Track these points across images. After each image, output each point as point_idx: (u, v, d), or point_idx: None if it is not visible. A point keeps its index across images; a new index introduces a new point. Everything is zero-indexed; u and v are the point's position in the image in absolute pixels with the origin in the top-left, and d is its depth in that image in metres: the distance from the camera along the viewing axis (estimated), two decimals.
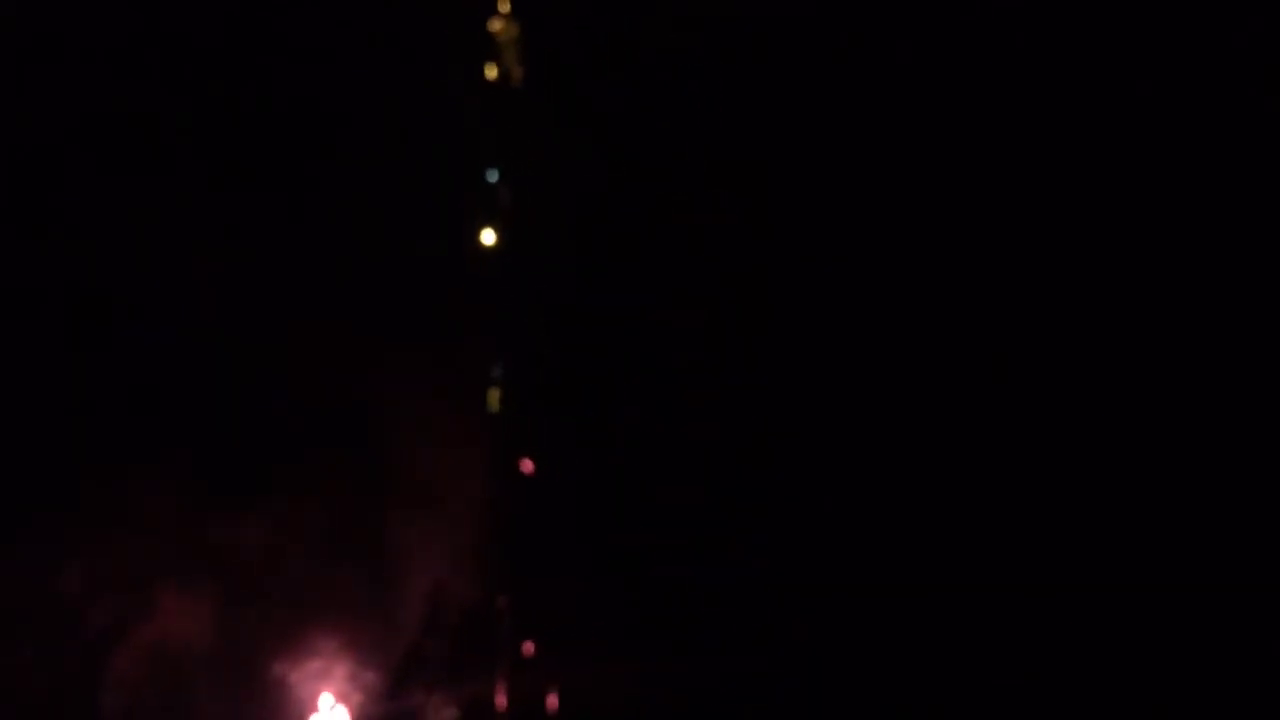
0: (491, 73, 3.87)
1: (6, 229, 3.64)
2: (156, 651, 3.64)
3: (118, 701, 3.60)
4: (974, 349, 3.82)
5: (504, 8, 3.88)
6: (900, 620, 3.77)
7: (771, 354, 3.89)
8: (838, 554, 3.81)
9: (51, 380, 3.58)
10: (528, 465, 3.84)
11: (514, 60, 3.87)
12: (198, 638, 3.65)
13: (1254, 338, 3.75)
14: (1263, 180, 3.77)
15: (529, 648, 3.80)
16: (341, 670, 3.70)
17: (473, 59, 3.87)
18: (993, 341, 3.82)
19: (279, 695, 3.68)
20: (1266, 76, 3.75)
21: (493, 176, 3.86)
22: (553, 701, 3.78)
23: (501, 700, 3.78)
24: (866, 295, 3.86)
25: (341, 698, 3.69)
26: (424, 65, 3.82)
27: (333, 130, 3.77)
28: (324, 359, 3.75)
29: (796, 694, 3.78)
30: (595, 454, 3.88)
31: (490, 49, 3.87)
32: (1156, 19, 3.79)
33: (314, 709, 3.69)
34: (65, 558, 3.56)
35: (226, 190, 3.70)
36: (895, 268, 3.86)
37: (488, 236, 3.86)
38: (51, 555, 3.55)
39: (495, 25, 3.87)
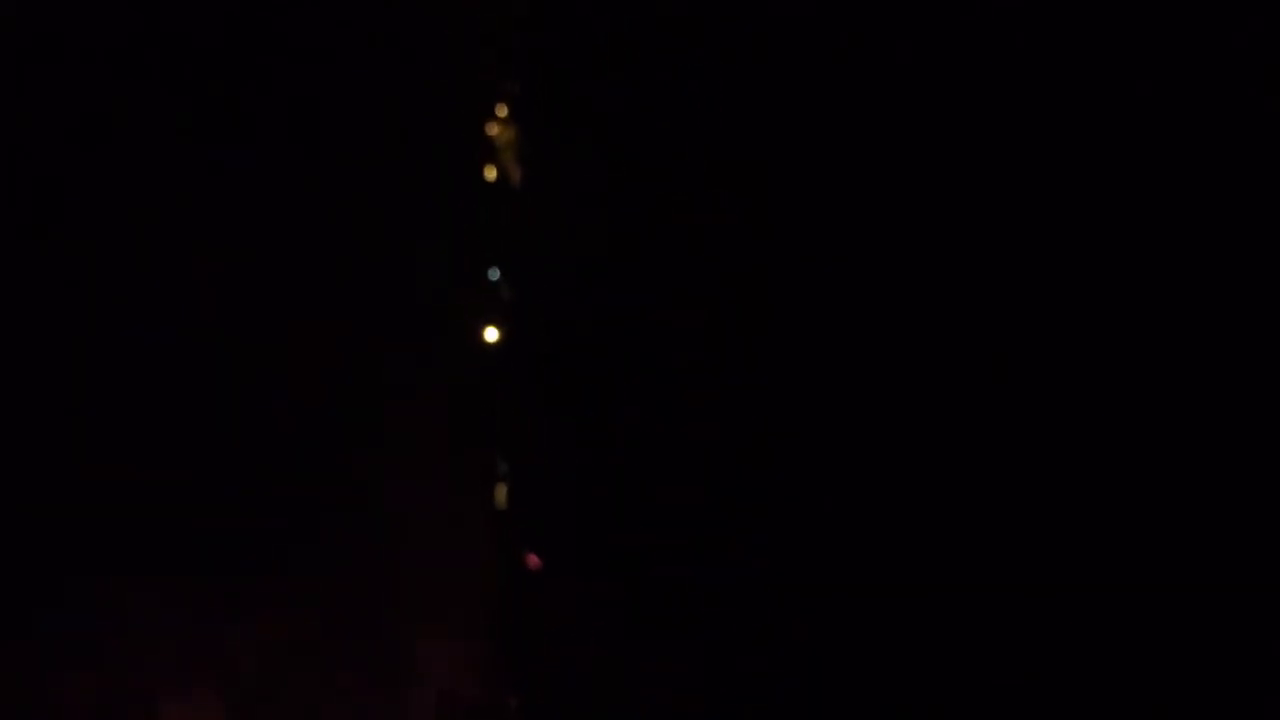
0: (491, 174, 3.99)
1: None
2: None
3: None
4: (974, 349, 3.73)
5: (501, 112, 3.99)
6: (900, 620, 3.71)
7: (771, 357, 3.84)
8: (837, 554, 3.77)
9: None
10: (534, 561, 3.91)
11: (512, 162, 3.98)
12: None
13: (1254, 338, 3.60)
14: (1263, 180, 3.62)
15: None
16: None
17: (471, 162, 4.00)
18: (993, 341, 3.73)
19: None
20: (1266, 76, 3.60)
21: (494, 275, 3.98)
22: None
23: None
24: (866, 295, 3.80)
25: None
26: (424, 168, 4.00)
27: (332, 235, 4.01)
28: (326, 464, 3.98)
29: (797, 694, 3.75)
30: (606, 544, 3.92)
31: (489, 152, 4.00)
32: (1156, 19, 3.66)
33: None
34: (58, 667, 3.92)
35: (212, 282, 3.99)
36: (895, 267, 3.78)
37: (490, 334, 3.98)
38: (46, 663, 3.91)
39: (493, 129, 3.99)
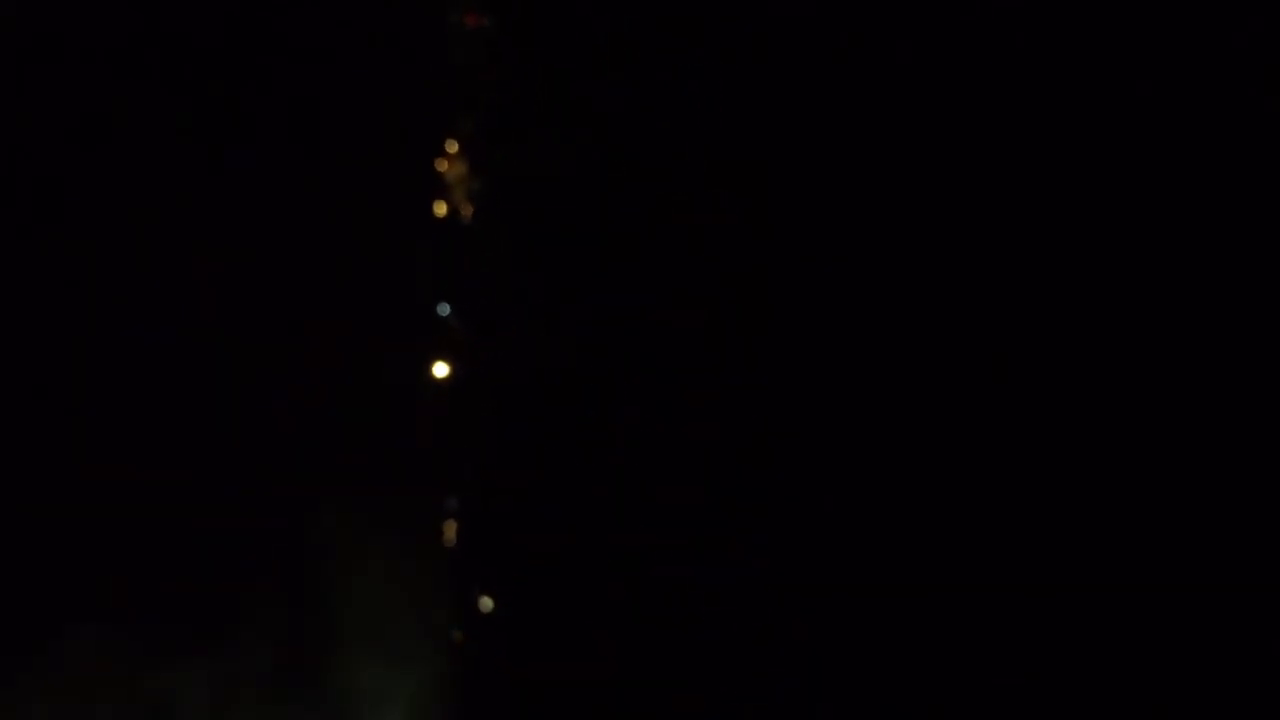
0: (440, 210, 3.95)
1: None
2: None
3: None
4: (975, 349, 3.80)
5: (451, 148, 3.96)
6: (900, 620, 3.76)
7: (735, 397, 3.88)
8: (837, 554, 3.81)
9: None
10: (486, 603, 3.88)
11: (463, 197, 3.94)
12: None
13: (1254, 337, 3.69)
14: (1263, 180, 3.72)
15: None
16: None
17: (421, 197, 3.95)
18: (993, 341, 3.79)
19: None
20: (1266, 76, 3.70)
21: (444, 310, 3.94)
22: None
23: None
24: (866, 295, 3.85)
25: None
26: (372, 203, 3.94)
27: (281, 273, 3.91)
28: (272, 498, 3.87)
29: (796, 694, 3.78)
30: (559, 585, 3.90)
31: (438, 187, 3.95)
32: (1156, 19, 3.75)
33: None
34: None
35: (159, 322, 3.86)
36: (895, 268, 3.85)
37: (439, 369, 3.93)
38: None
39: (442, 165, 3.95)
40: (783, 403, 3.84)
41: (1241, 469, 3.68)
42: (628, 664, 3.85)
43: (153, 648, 3.76)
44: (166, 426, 3.83)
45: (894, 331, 3.82)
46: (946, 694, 3.72)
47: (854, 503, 3.82)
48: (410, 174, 3.93)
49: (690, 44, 3.87)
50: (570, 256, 3.94)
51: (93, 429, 3.80)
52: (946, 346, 3.80)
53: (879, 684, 3.77)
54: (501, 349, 3.95)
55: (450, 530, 3.90)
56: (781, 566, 3.85)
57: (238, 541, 3.82)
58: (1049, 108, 3.77)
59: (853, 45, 3.85)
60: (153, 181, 3.82)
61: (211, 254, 3.84)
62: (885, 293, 3.83)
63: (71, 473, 3.77)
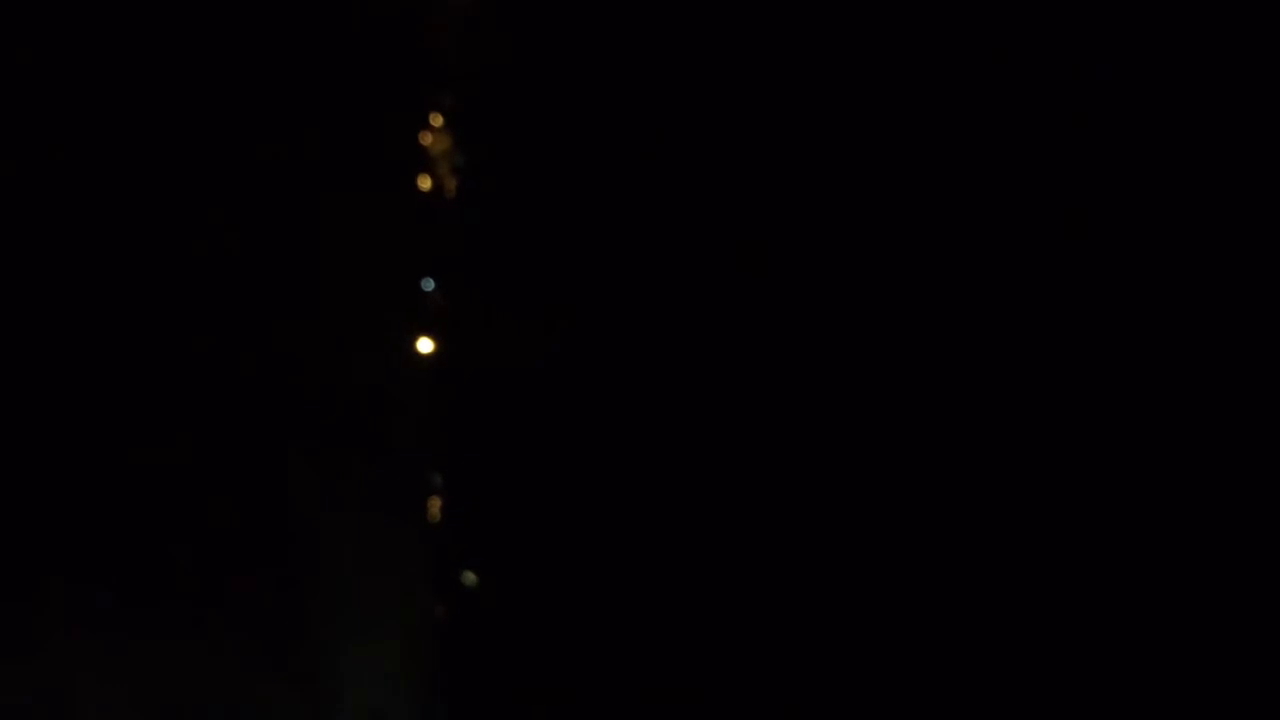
0: (425, 184, 3.92)
1: None
2: None
3: None
4: (975, 349, 3.80)
5: (436, 121, 3.93)
6: (900, 620, 3.76)
7: (718, 364, 3.88)
8: (837, 554, 3.80)
9: None
10: (470, 578, 3.86)
11: (447, 172, 3.92)
12: None
13: (1254, 338, 3.70)
14: (1263, 180, 3.72)
15: None
16: None
17: (405, 171, 3.92)
18: (994, 341, 3.79)
19: None
20: (1266, 76, 3.70)
21: (428, 285, 3.91)
22: None
23: None
24: (866, 287, 3.85)
25: None
26: (356, 178, 3.91)
27: (263, 248, 3.88)
28: (252, 476, 3.85)
29: (797, 694, 3.77)
30: (544, 562, 3.89)
31: (422, 161, 3.93)
32: (1156, 19, 3.75)
33: None
34: None
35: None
36: (896, 267, 3.84)
37: (424, 345, 3.91)
38: None
39: (427, 138, 3.92)
40: (772, 385, 3.84)
41: (1241, 469, 3.69)
42: (612, 642, 3.84)
43: (135, 630, 3.74)
44: (148, 406, 3.80)
45: (890, 330, 3.83)
46: (947, 694, 3.73)
47: (845, 493, 3.82)
48: (394, 148, 3.89)
49: (680, 16, 3.84)
50: (555, 232, 3.92)
51: (75, 410, 3.77)
52: (947, 346, 3.81)
53: (877, 683, 3.77)
54: (486, 325, 3.91)
55: (435, 507, 3.88)
56: (771, 549, 3.86)
57: (219, 519, 3.79)
58: (1049, 107, 3.78)
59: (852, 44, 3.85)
60: (129, 164, 3.78)
61: (190, 231, 3.81)
62: (884, 289, 3.83)
63: (50, 450, 3.74)
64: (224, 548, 3.80)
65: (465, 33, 3.94)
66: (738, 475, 3.87)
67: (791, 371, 3.89)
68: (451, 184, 3.92)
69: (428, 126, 3.93)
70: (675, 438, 3.89)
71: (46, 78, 3.78)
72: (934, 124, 3.84)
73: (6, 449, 3.73)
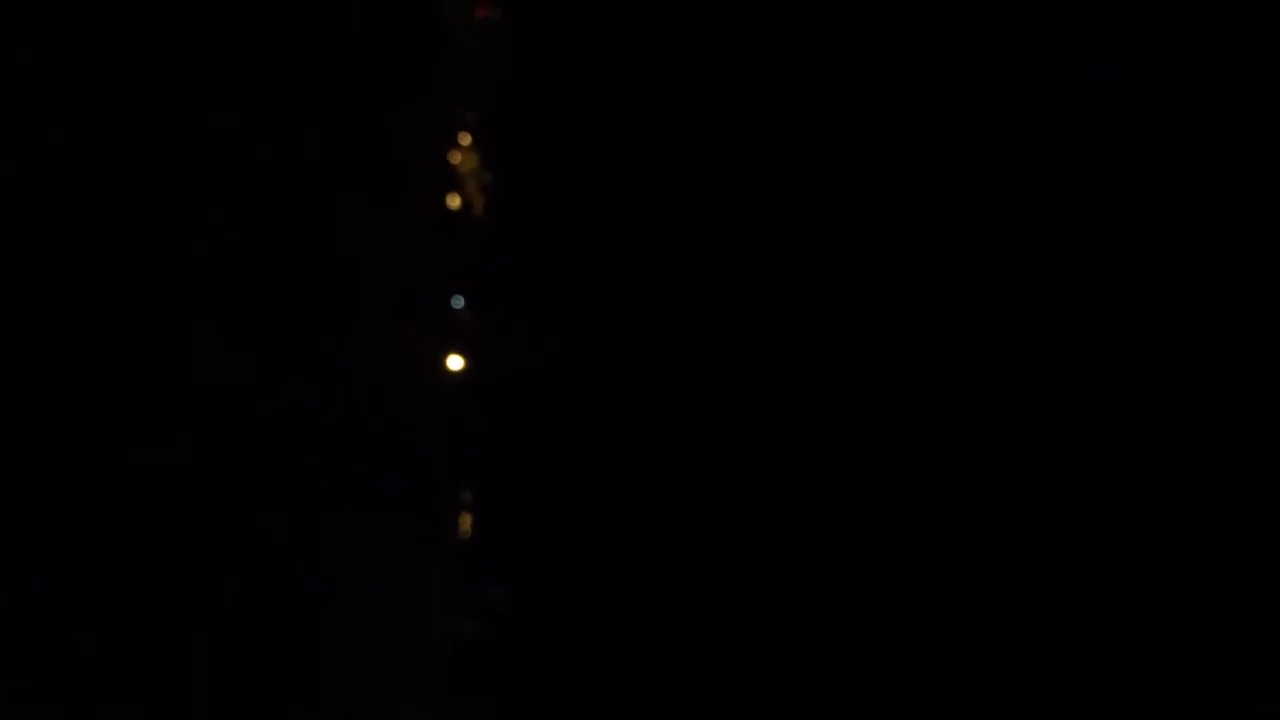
0: (454, 202, 3.95)
1: None
2: None
3: None
4: (975, 349, 3.82)
5: (464, 140, 3.95)
6: (900, 620, 3.78)
7: (744, 384, 3.90)
8: (837, 553, 3.82)
9: None
10: (499, 595, 3.88)
11: (475, 190, 3.94)
12: None
13: (1254, 338, 3.72)
14: (1263, 180, 3.74)
15: None
16: None
17: (434, 190, 3.95)
18: (994, 342, 3.81)
19: None
20: (1266, 76, 3.72)
21: (458, 303, 3.94)
22: None
23: None
24: (889, 296, 3.88)
25: None
26: (385, 196, 3.93)
27: (293, 265, 3.90)
28: (282, 493, 3.87)
29: (796, 694, 3.79)
30: (573, 577, 3.91)
31: (451, 180, 3.95)
32: (1156, 19, 3.77)
33: None
34: None
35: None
36: (896, 268, 3.87)
37: (454, 362, 3.93)
38: None
39: (455, 157, 3.95)
40: (797, 399, 3.86)
41: (1242, 469, 3.71)
42: (639, 655, 3.86)
43: (158, 641, 3.75)
44: (177, 422, 3.82)
45: (910, 333, 3.85)
46: (947, 694, 3.74)
47: (863, 499, 3.84)
48: (423, 167, 3.92)
49: (705, 34, 3.87)
50: (583, 249, 3.94)
51: (107, 421, 3.80)
52: (947, 346, 3.83)
53: (886, 686, 3.78)
54: (515, 342, 3.94)
55: (465, 523, 3.90)
56: (792, 561, 3.88)
57: (249, 536, 3.81)
58: (1049, 107, 3.80)
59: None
60: (157, 178, 3.80)
61: (223, 248, 3.83)
62: (907, 295, 3.85)
63: (83, 456, 3.76)
64: (253, 569, 3.81)
65: (492, 51, 3.96)
66: (769, 487, 3.89)
67: (821, 388, 3.91)
68: (480, 202, 3.94)
69: (456, 145, 3.95)
70: (703, 453, 3.91)
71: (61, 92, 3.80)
72: (945, 124, 3.87)
73: (49, 447, 3.74)
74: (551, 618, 3.91)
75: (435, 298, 3.93)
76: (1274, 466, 3.70)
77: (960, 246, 3.86)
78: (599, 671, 3.88)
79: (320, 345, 3.87)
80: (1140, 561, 3.74)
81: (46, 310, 3.77)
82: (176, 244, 3.82)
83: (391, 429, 3.89)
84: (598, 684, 3.88)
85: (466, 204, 3.94)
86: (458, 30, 3.96)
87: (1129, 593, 3.73)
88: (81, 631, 3.76)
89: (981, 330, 3.85)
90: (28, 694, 3.71)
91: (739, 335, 3.93)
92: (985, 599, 3.78)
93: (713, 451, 3.91)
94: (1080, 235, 3.80)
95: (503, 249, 3.97)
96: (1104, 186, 3.80)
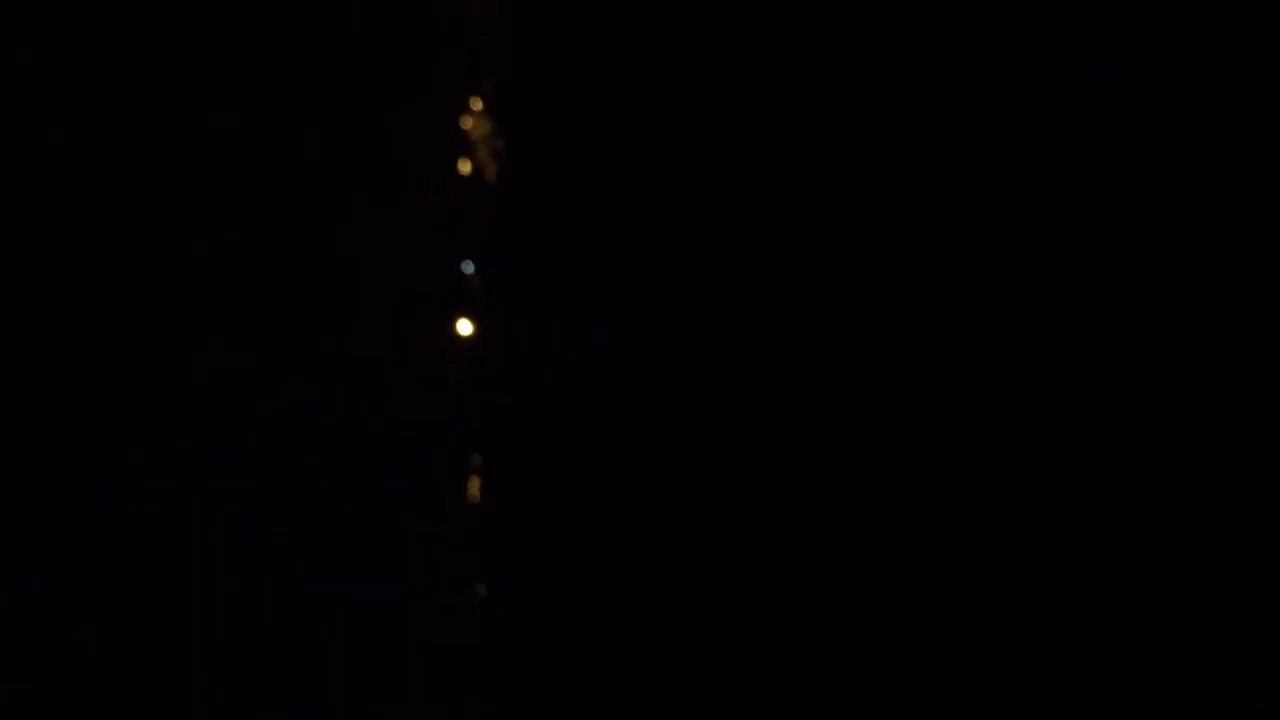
0: (465, 167, 3.95)
1: None
2: None
3: None
4: (975, 349, 3.84)
5: (476, 105, 3.95)
6: (900, 620, 3.79)
7: (756, 355, 3.92)
8: (837, 552, 3.83)
9: None
10: (506, 560, 3.89)
11: (487, 156, 3.94)
12: None
13: (1254, 338, 3.74)
14: (1263, 180, 3.76)
15: None
16: None
17: (445, 155, 3.94)
18: (994, 342, 3.84)
19: None
20: (1266, 76, 3.75)
21: (468, 268, 3.93)
22: None
23: None
24: (907, 287, 3.89)
25: None
26: (397, 162, 3.92)
27: (300, 226, 3.88)
28: (294, 460, 3.85)
29: (796, 694, 3.80)
30: (581, 542, 3.92)
31: (463, 145, 3.95)
32: (1156, 19, 3.79)
33: None
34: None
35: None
36: (898, 268, 3.89)
37: (464, 327, 3.93)
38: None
39: (467, 122, 3.95)
40: (818, 372, 3.89)
41: (1241, 469, 3.74)
42: (647, 621, 3.88)
43: (174, 606, 3.73)
44: (190, 394, 3.78)
45: (896, 332, 3.87)
46: (947, 694, 3.76)
47: (870, 492, 3.86)
48: (434, 131, 3.92)
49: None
50: (594, 215, 3.95)
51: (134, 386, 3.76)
52: (946, 346, 3.85)
53: (886, 686, 3.79)
54: (524, 307, 3.94)
55: (474, 487, 3.90)
56: (796, 558, 3.89)
57: (254, 501, 3.79)
58: (1048, 107, 3.82)
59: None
60: (176, 153, 3.77)
61: (230, 217, 3.81)
62: (926, 286, 3.87)
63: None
64: (260, 533, 3.78)
65: (505, 15, 3.96)
66: (779, 458, 3.92)
67: (838, 362, 3.94)
68: (491, 168, 3.95)
69: (468, 111, 3.95)
70: (712, 424, 3.92)
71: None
72: (973, 122, 3.90)
73: (70, 433, 3.70)
74: (560, 583, 3.92)
75: (446, 262, 3.93)
76: (1274, 466, 3.73)
77: (964, 248, 3.90)
78: (607, 635, 3.88)
79: (330, 312, 3.85)
80: (1140, 561, 3.76)
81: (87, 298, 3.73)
82: (186, 216, 3.79)
83: (401, 392, 3.89)
84: (606, 651, 3.88)
85: (478, 170, 3.94)
86: None
87: (1129, 593, 3.75)
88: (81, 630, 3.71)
89: (982, 330, 3.88)
90: (28, 694, 3.65)
91: (751, 304, 3.95)
92: (985, 599, 3.80)
93: (721, 420, 3.93)
94: (1080, 235, 3.83)
95: (513, 214, 3.96)
96: (1104, 186, 3.83)
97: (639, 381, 3.94)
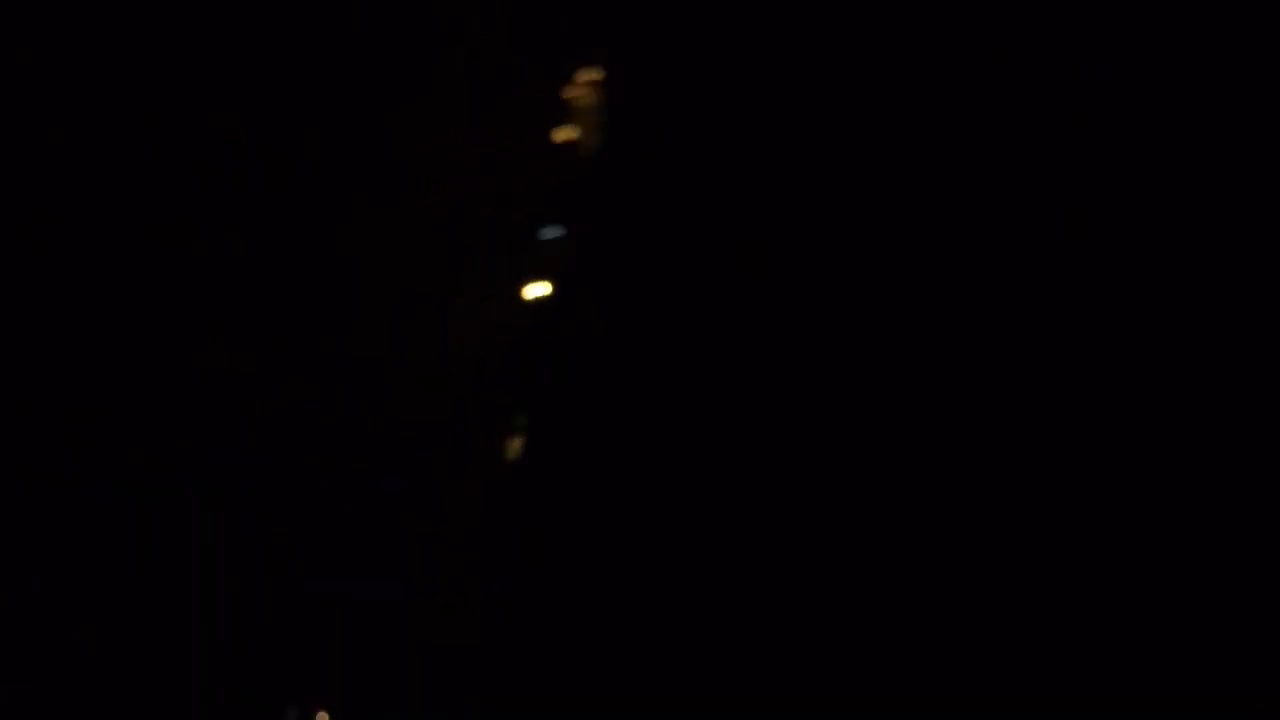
0: (562, 135, 4.01)
1: None
2: None
3: None
4: (975, 350, 3.67)
5: (588, 76, 4.02)
6: (900, 620, 3.62)
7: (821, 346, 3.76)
8: (837, 552, 3.67)
9: None
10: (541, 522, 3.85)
11: (590, 126, 3.99)
12: None
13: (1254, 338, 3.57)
14: (1263, 180, 3.59)
15: None
16: None
17: (547, 124, 4.03)
18: (994, 343, 3.67)
19: None
20: (1266, 76, 3.60)
21: (551, 234, 3.98)
22: None
23: None
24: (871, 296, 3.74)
25: None
26: (496, 129, 4.05)
27: (393, 185, 4.08)
28: (338, 417, 3.97)
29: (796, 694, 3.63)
30: (589, 546, 3.83)
31: (567, 114, 4.02)
32: (1156, 19, 3.65)
33: None
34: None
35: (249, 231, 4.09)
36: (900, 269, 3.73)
37: (535, 290, 3.97)
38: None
39: (572, 92, 4.02)
40: (889, 368, 3.71)
41: (1242, 469, 3.53)
42: (648, 621, 3.71)
43: (174, 622, 3.88)
44: (190, 394, 3.95)
45: (897, 332, 3.70)
46: (947, 694, 3.56)
47: (888, 493, 3.65)
48: (532, 98, 3.98)
49: None
50: (687, 194, 3.87)
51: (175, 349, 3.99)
52: (947, 346, 3.68)
53: (886, 686, 3.59)
54: (601, 277, 3.91)
55: (515, 446, 3.87)
56: (801, 556, 3.69)
57: (256, 498, 3.90)
58: (1049, 107, 3.67)
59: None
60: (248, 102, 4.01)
61: (316, 166, 4.02)
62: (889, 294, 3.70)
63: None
64: (259, 529, 3.89)
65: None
66: (781, 459, 3.70)
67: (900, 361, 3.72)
68: (594, 138, 3.96)
69: (573, 80, 3.99)
70: (783, 412, 3.73)
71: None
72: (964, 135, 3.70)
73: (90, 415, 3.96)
74: (597, 549, 3.81)
75: (523, 225, 3.96)
76: (1274, 466, 3.51)
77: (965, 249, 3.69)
78: (643, 596, 3.74)
79: (329, 313, 3.94)
80: (1140, 561, 3.55)
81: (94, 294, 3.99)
82: (268, 165, 4.02)
83: (401, 395, 3.90)
84: (635, 614, 3.73)
85: (579, 138, 3.97)
86: None
87: (1129, 593, 3.55)
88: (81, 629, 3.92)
89: (983, 330, 3.68)
90: (28, 694, 3.87)
91: (840, 293, 3.75)
92: (985, 599, 3.59)
93: (788, 411, 3.74)
94: (1080, 235, 3.65)
95: (602, 184, 3.95)
96: (1104, 186, 3.64)
97: (709, 367, 3.80)
